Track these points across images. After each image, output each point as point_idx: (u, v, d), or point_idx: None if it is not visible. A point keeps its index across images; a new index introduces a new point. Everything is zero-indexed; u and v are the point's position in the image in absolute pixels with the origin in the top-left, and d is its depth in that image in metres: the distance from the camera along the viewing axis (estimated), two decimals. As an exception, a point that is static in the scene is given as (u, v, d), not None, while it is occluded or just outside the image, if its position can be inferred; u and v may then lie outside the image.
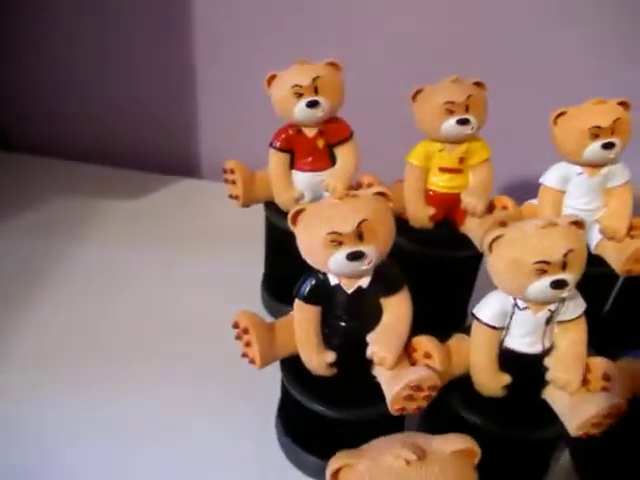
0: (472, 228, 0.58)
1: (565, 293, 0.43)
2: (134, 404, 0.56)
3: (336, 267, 0.43)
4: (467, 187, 0.59)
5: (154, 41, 0.90)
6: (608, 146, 0.54)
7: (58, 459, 0.51)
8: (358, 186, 0.59)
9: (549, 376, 0.46)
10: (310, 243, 0.43)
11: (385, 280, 0.46)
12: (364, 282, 0.45)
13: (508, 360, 0.47)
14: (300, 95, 0.55)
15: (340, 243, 0.42)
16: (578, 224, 0.44)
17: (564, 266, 0.42)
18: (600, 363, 0.47)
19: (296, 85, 0.55)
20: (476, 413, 0.48)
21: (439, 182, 0.59)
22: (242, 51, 0.86)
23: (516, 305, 0.45)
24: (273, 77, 0.56)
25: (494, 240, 0.43)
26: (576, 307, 0.46)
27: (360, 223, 0.41)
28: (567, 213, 0.59)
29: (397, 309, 0.46)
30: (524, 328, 0.46)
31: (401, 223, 0.61)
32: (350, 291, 0.45)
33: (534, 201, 0.60)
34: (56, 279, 0.72)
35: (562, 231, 0.42)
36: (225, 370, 0.58)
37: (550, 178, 0.58)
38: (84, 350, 0.62)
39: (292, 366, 0.49)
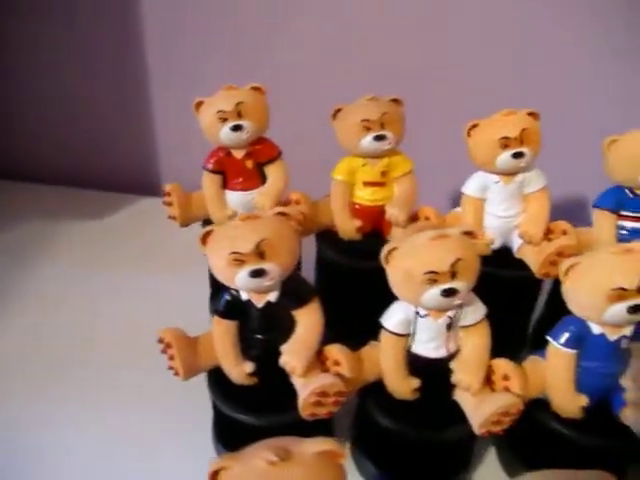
0: (397, 238, 0.61)
1: (457, 301, 0.45)
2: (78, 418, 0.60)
3: (241, 284, 0.46)
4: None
5: (113, 60, 0.94)
6: (518, 155, 0.56)
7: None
8: (287, 202, 0.62)
9: (453, 378, 0.49)
10: (217, 262, 0.46)
11: (293, 293, 0.48)
12: (272, 296, 0.48)
13: (416, 365, 0.50)
14: (224, 120, 0.58)
15: (242, 262, 0.45)
16: (469, 234, 0.46)
17: (453, 275, 0.44)
18: (502, 364, 0.49)
19: (220, 111, 0.58)
20: (389, 416, 0.50)
21: (364, 195, 0.62)
22: (198, 72, 0.89)
23: (417, 313, 0.48)
24: (200, 103, 0.60)
25: (389, 252, 0.46)
26: (475, 312, 0.49)
27: (259, 242, 0.44)
28: (488, 220, 0.61)
29: (307, 320, 0.49)
30: (427, 334, 0.48)
31: (331, 236, 0.64)
32: (260, 305, 0.48)
33: (459, 209, 0.62)
34: (9, 296, 0.76)
35: (451, 242, 0.45)
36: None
37: (470, 187, 0.61)
38: (34, 363, 0.66)
39: (217, 377, 0.52)
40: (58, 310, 0.75)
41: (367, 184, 0.61)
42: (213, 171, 0.61)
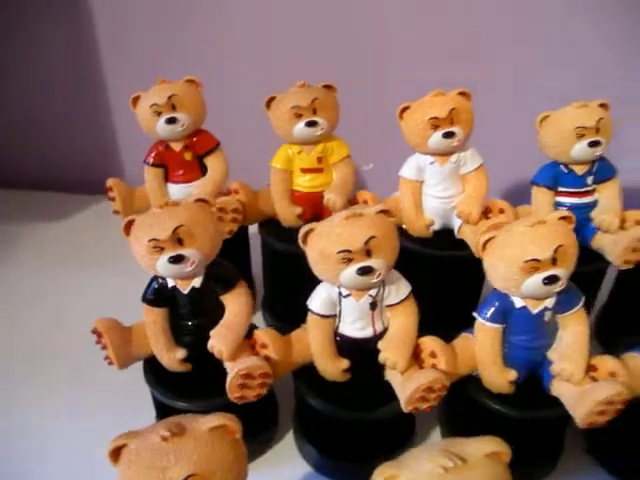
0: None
1: (374, 279, 0.46)
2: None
3: (162, 271, 0.47)
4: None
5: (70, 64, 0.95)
6: (448, 135, 0.57)
7: None
8: (227, 192, 0.63)
9: (380, 357, 0.49)
10: (138, 250, 0.47)
11: (218, 278, 0.49)
12: (197, 282, 0.48)
13: (344, 346, 0.50)
14: (159, 113, 0.59)
15: (162, 249, 0.45)
16: (385, 212, 0.47)
17: (369, 253, 0.45)
18: (428, 342, 0.50)
19: (154, 104, 0.59)
20: (319, 398, 0.51)
21: (303, 182, 0.62)
22: (154, 71, 0.90)
23: (340, 293, 0.48)
24: (137, 98, 0.61)
25: (306, 234, 0.46)
26: (399, 291, 0.49)
27: (176, 229, 0.45)
28: (427, 201, 0.62)
29: (234, 305, 0.50)
30: (352, 314, 0.49)
31: (274, 224, 0.65)
32: (186, 292, 0.49)
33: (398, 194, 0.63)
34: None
35: (365, 220, 0.45)
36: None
37: (406, 169, 0.61)
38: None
39: (153, 365, 0.53)
40: (24, 309, 0.76)
41: (305, 171, 0.62)
42: (154, 165, 0.62)
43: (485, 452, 0.33)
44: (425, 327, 0.50)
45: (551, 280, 0.44)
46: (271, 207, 0.63)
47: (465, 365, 0.50)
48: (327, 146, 0.61)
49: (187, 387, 0.52)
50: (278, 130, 0.60)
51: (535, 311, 0.47)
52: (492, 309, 0.48)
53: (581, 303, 0.48)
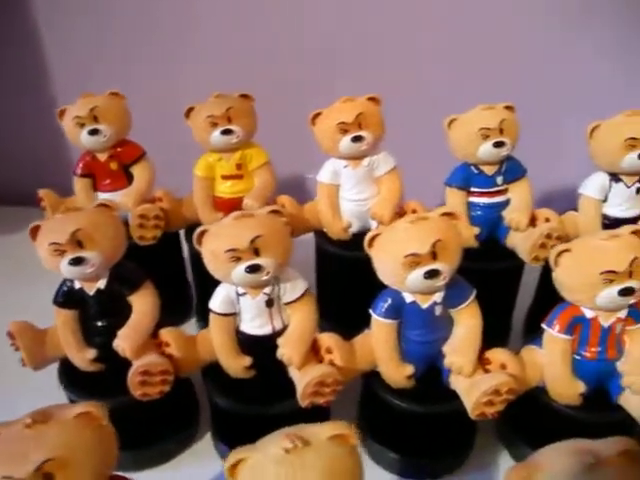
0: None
1: (264, 277, 0.47)
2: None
3: (66, 273, 0.49)
4: (250, 190, 0.64)
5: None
6: (356, 139, 0.59)
7: None
8: (152, 200, 0.65)
9: (277, 353, 0.50)
10: (42, 254, 0.49)
11: (123, 280, 0.51)
12: (101, 284, 0.50)
13: (246, 343, 0.52)
14: (82, 125, 0.61)
15: (63, 251, 0.47)
16: (275, 212, 0.49)
17: (256, 252, 0.46)
18: (325, 338, 0.51)
19: (76, 116, 0.61)
20: (223, 395, 0.52)
21: (224, 189, 0.64)
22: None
23: (237, 292, 0.50)
24: (63, 111, 0.63)
25: (201, 235, 0.48)
26: (295, 289, 0.50)
27: (75, 232, 0.47)
28: (343, 204, 0.63)
29: (139, 305, 0.51)
30: (250, 312, 0.50)
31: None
32: (92, 293, 0.51)
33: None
34: None
35: (252, 221, 0.47)
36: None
37: (322, 174, 0.63)
38: None
39: (67, 366, 0.54)
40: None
41: (225, 177, 0.64)
42: (82, 175, 0.65)
43: (327, 435, 0.34)
44: (344, 326, 0.52)
45: (432, 274, 0.45)
46: (194, 213, 0.65)
47: (365, 361, 0.52)
48: (245, 153, 0.63)
49: (99, 386, 0.53)
50: (197, 139, 0.62)
51: (425, 306, 0.48)
52: (385, 305, 0.49)
53: (472, 297, 0.49)
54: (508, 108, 0.60)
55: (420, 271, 0.45)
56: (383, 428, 0.55)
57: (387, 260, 0.46)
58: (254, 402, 0.51)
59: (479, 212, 0.62)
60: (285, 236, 0.48)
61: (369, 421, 0.57)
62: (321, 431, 0.34)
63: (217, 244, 0.47)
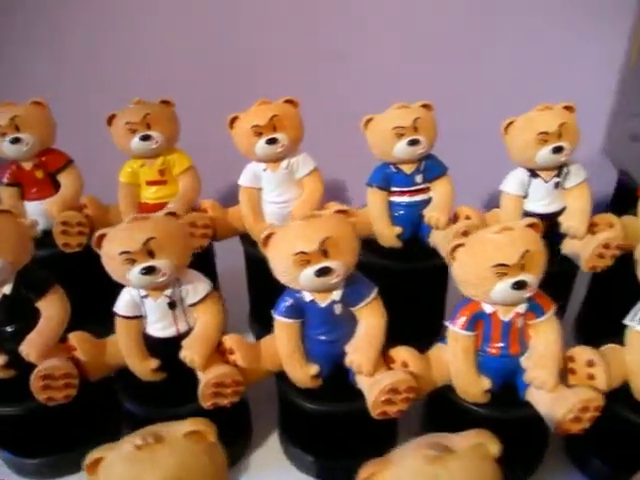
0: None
1: (160, 278, 0.47)
2: None
3: None
4: (176, 196, 0.65)
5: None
6: (271, 142, 0.59)
7: None
8: (78, 207, 0.65)
9: (181, 355, 0.50)
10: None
11: (30, 285, 0.51)
12: (7, 289, 0.51)
13: (152, 346, 0.52)
14: (4, 134, 0.62)
15: None
16: (173, 214, 0.49)
17: (151, 254, 0.46)
18: (228, 340, 0.51)
19: (-5, 126, 0.62)
20: (132, 399, 0.52)
21: (149, 194, 0.65)
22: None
23: (140, 294, 0.50)
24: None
25: (99, 239, 0.48)
26: (197, 291, 0.50)
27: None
28: (265, 207, 0.63)
29: (45, 311, 0.52)
30: (153, 314, 0.50)
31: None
32: None
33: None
34: None
35: (147, 223, 0.47)
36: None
37: (243, 178, 0.63)
38: None
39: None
40: None
41: (149, 183, 0.64)
42: (9, 184, 0.65)
43: (183, 431, 0.34)
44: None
45: (323, 272, 0.45)
46: (120, 220, 0.65)
47: (270, 362, 0.52)
48: (168, 159, 0.64)
49: (9, 392, 0.53)
50: (118, 146, 0.63)
51: (324, 304, 0.48)
52: (286, 304, 0.49)
53: (372, 295, 0.49)
54: (425, 106, 0.60)
55: (311, 269, 0.45)
56: (296, 430, 0.55)
57: (279, 259, 0.46)
58: (162, 405, 0.51)
59: (401, 211, 0.62)
60: (182, 238, 0.49)
61: (284, 423, 0.56)
62: (178, 428, 0.34)
63: (111, 247, 0.47)
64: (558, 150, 0.56)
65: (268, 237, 0.47)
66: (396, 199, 0.62)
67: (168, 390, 0.52)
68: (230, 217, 0.64)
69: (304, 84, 0.68)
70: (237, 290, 0.69)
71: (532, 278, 0.45)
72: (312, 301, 0.48)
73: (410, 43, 0.82)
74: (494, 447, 0.33)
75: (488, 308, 0.47)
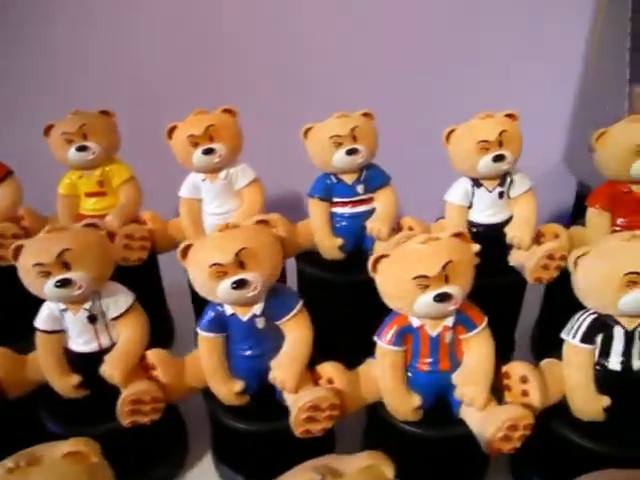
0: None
1: (76, 292, 0.46)
2: None
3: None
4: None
5: None
6: (207, 152, 0.58)
7: None
8: (17, 219, 0.64)
9: (100, 371, 0.48)
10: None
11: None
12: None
13: (74, 361, 0.50)
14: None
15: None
16: (92, 226, 0.48)
17: (66, 266, 0.45)
18: (149, 355, 0.50)
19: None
20: (53, 417, 0.50)
21: (88, 206, 0.64)
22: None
23: (59, 308, 0.48)
24: None
25: (16, 251, 0.47)
26: (118, 303, 0.49)
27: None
28: (206, 219, 0.62)
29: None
30: (74, 329, 0.49)
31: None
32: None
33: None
34: None
35: (63, 235, 0.46)
36: None
37: (183, 189, 0.62)
38: None
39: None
40: None
41: (89, 195, 0.63)
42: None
43: (61, 452, 0.32)
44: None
45: (239, 284, 0.44)
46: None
47: (195, 378, 0.50)
48: (106, 170, 0.62)
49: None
50: (56, 157, 0.62)
51: (245, 318, 0.47)
52: (207, 318, 0.48)
53: (297, 308, 0.47)
54: (365, 115, 0.58)
55: (228, 282, 0.44)
56: (226, 449, 0.53)
57: (196, 271, 0.45)
58: (84, 423, 0.49)
59: (343, 222, 0.60)
60: (100, 249, 0.47)
61: (215, 442, 0.55)
62: (57, 449, 0.33)
63: (26, 259, 0.45)
64: (499, 158, 0.55)
65: (186, 249, 0.46)
66: (338, 210, 0.60)
67: (91, 407, 0.50)
68: (171, 229, 0.63)
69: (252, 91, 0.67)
70: (185, 304, 0.68)
71: (456, 290, 0.43)
72: (233, 315, 0.47)
73: (356, 51, 0.81)
74: (388, 469, 0.31)
75: (415, 322, 0.46)
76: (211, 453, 0.56)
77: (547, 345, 0.64)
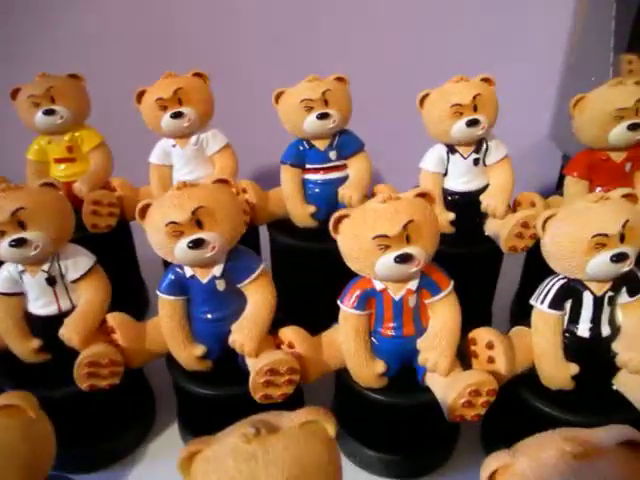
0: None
1: (31, 252, 0.45)
2: None
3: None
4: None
5: None
6: (176, 116, 0.56)
7: None
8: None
9: (59, 333, 0.47)
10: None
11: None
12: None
13: (34, 325, 0.49)
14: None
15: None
16: (49, 185, 0.47)
17: (22, 225, 0.44)
18: (109, 318, 0.48)
19: None
20: (12, 382, 0.49)
21: (58, 172, 0.63)
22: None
23: (18, 269, 0.47)
24: None
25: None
26: (77, 266, 0.48)
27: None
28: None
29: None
30: (33, 291, 0.48)
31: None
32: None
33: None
34: None
35: (16, 195, 0.45)
36: None
37: (152, 156, 0.61)
38: None
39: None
40: None
41: (58, 161, 0.62)
42: None
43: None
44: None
45: (196, 244, 0.42)
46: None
47: (155, 342, 0.49)
48: (76, 135, 0.61)
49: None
50: (23, 121, 0.61)
51: (204, 280, 0.46)
52: (167, 281, 0.47)
53: (259, 270, 0.46)
54: (338, 79, 0.57)
55: (184, 241, 0.42)
56: (189, 416, 0.53)
57: (152, 230, 0.44)
58: (42, 387, 0.48)
59: (316, 190, 0.59)
60: (58, 210, 0.46)
61: (179, 409, 0.54)
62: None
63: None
64: (473, 123, 0.53)
65: (144, 209, 0.45)
66: (310, 177, 0.59)
67: (51, 372, 0.49)
68: (142, 196, 0.62)
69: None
70: (159, 272, 0.66)
71: (418, 251, 0.41)
72: (193, 277, 0.46)
73: (334, 17, 0.79)
74: (329, 426, 0.30)
75: (378, 285, 0.44)
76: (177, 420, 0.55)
77: (526, 317, 0.63)
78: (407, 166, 0.59)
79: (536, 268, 0.62)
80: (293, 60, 0.75)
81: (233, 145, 0.61)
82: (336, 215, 0.43)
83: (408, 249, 0.41)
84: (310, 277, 0.59)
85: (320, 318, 0.48)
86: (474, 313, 0.51)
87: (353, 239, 0.42)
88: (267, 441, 0.29)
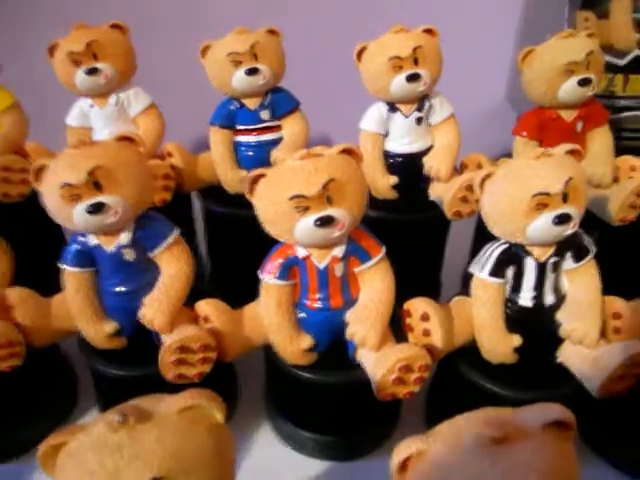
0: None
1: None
2: None
3: None
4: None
5: None
6: (91, 72, 0.52)
7: None
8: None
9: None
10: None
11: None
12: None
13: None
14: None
15: None
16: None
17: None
18: (7, 294, 0.44)
19: None
20: None
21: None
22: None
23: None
24: None
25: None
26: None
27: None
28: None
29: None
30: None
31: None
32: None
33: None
34: None
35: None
36: None
37: (69, 118, 0.56)
38: None
39: None
40: None
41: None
42: None
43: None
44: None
45: (95, 209, 0.38)
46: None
47: (62, 319, 0.44)
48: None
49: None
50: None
51: (110, 249, 0.41)
52: (70, 251, 0.42)
53: (171, 239, 0.42)
54: (270, 32, 0.52)
55: (83, 205, 0.38)
56: (105, 397, 0.49)
57: (47, 194, 0.39)
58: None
59: (249, 152, 0.55)
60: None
61: (95, 390, 0.50)
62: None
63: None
64: (413, 78, 0.49)
65: (39, 170, 0.40)
66: (242, 139, 0.55)
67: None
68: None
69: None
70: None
71: (341, 213, 0.37)
72: (98, 245, 0.41)
73: None
74: (216, 410, 0.26)
75: (301, 252, 0.40)
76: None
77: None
78: (347, 127, 0.55)
79: (488, 234, 0.59)
80: (223, 10, 0.69)
81: (159, 105, 0.56)
82: (251, 175, 0.39)
83: (330, 211, 0.37)
84: (245, 247, 0.55)
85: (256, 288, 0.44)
86: (421, 283, 0.47)
87: (269, 201, 0.38)
88: (136, 431, 0.25)
